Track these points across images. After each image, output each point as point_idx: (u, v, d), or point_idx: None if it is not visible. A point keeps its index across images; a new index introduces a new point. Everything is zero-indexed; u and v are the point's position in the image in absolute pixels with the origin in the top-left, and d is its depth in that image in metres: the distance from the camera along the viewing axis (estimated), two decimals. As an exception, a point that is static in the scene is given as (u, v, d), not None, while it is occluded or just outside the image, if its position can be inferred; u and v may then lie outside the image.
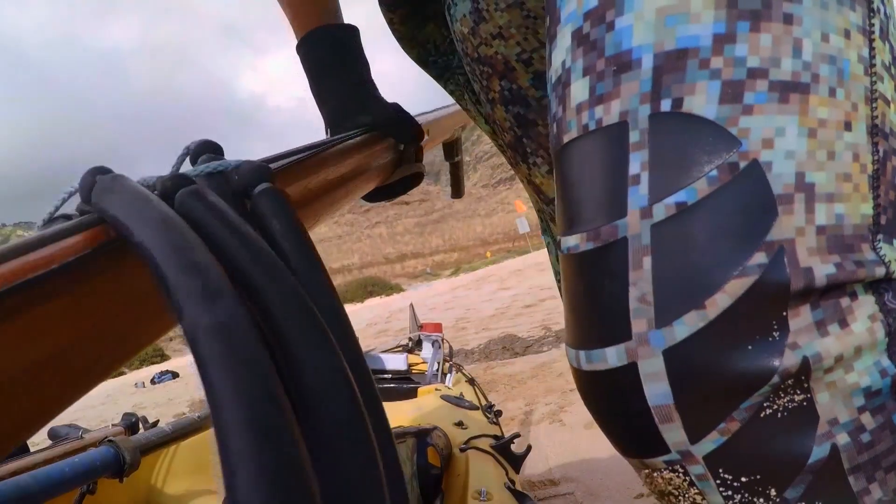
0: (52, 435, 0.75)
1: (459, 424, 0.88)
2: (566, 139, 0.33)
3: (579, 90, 0.32)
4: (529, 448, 0.82)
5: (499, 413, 1.06)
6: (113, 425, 0.81)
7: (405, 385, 1.23)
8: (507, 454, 0.77)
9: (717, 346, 0.27)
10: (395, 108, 0.59)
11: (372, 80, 0.61)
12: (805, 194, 0.28)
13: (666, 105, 0.29)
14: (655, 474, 0.30)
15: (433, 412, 0.95)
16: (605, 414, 0.32)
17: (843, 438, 0.28)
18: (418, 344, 1.57)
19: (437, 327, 1.53)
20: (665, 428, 0.28)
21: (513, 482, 0.69)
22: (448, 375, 1.31)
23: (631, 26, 0.30)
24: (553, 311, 4.87)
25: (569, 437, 1.83)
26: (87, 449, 0.59)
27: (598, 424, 0.33)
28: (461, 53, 0.57)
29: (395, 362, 1.33)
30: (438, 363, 1.33)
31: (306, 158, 0.40)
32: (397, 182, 0.60)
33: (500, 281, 10.69)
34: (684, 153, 0.28)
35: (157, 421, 0.81)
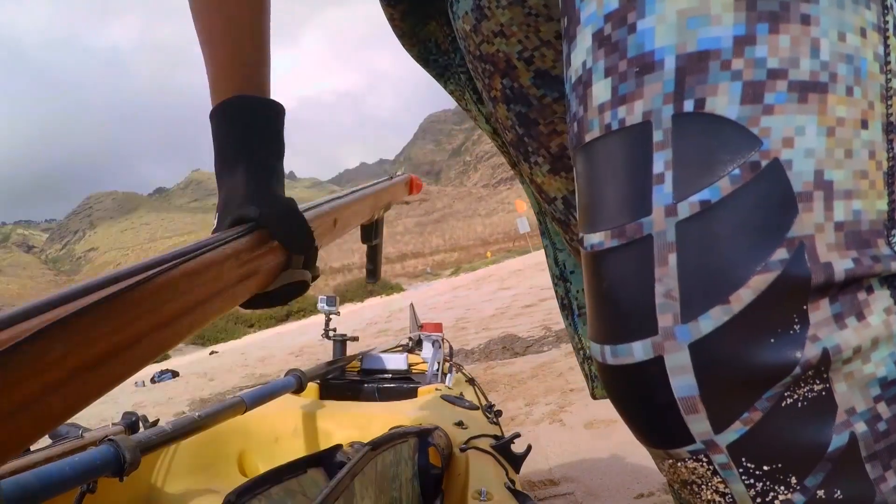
0: (52, 434, 0.75)
1: (459, 424, 0.88)
2: (588, 138, 0.34)
3: (601, 90, 0.32)
4: (529, 448, 0.82)
5: (499, 413, 1.06)
6: (113, 424, 0.81)
7: (405, 385, 1.23)
8: (507, 454, 0.77)
9: (742, 339, 0.28)
10: (289, 205, 0.50)
11: (279, 170, 0.53)
12: (824, 192, 0.29)
13: (689, 105, 0.29)
14: (679, 464, 0.31)
15: (433, 412, 0.95)
16: (630, 407, 0.33)
17: (860, 427, 0.29)
18: (418, 344, 1.57)
19: (438, 327, 1.53)
20: (691, 419, 0.29)
21: (513, 482, 0.69)
22: (448, 375, 1.30)
23: (653, 28, 0.30)
24: (553, 310, 4.87)
25: (569, 437, 1.83)
26: (87, 448, 0.59)
27: (622, 417, 0.34)
28: (464, 51, 0.56)
29: (395, 362, 1.33)
30: (438, 363, 1.32)
31: (155, 276, 0.34)
32: (279, 289, 0.50)
33: (501, 281, 10.69)
34: (707, 152, 0.29)
35: (158, 420, 0.81)
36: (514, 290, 8.19)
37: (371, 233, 0.83)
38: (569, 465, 1.62)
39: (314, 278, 0.53)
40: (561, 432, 1.89)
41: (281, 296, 0.51)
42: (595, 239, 0.33)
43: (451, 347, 1.51)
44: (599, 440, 1.74)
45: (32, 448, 0.68)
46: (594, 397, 0.64)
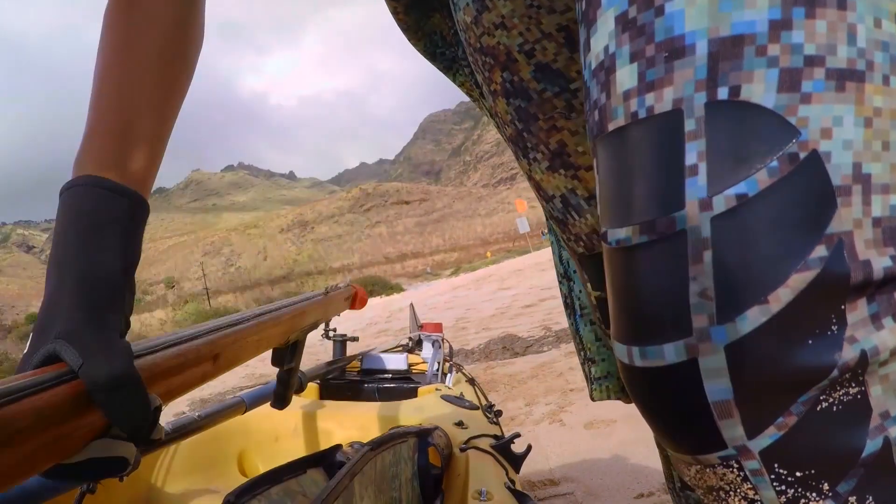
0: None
1: (459, 424, 0.88)
2: (612, 127, 0.32)
3: (626, 76, 0.31)
4: (529, 448, 0.82)
5: (499, 413, 1.06)
6: (113, 424, 0.80)
7: (405, 385, 1.23)
8: (507, 454, 0.77)
9: (780, 340, 0.27)
10: (123, 360, 0.33)
11: (124, 287, 0.38)
12: (862, 185, 0.28)
13: (723, 93, 0.28)
14: (708, 470, 0.30)
15: (433, 412, 0.95)
16: (658, 411, 0.31)
17: (894, 432, 0.28)
18: (418, 344, 1.57)
19: (438, 327, 1.53)
20: (724, 424, 0.28)
21: (513, 482, 0.69)
22: (448, 375, 1.31)
23: (683, 11, 0.29)
24: (553, 311, 4.87)
25: (569, 437, 1.83)
26: (87, 448, 0.59)
27: (648, 422, 0.32)
28: (464, 43, 0.55)
29: (396, 362, 1.33)
30: (438, 363, 1.33)
31: None
32: (88, 462, 0.34)
33: (500, 281, 10.70)
34: (743, 143, 0.28)
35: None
36: (514, 290, 8.20)
37: (284, 357, 0.66)
38: (569, 465, 1.62)
39: (152, 446, 0.36)
40: (561, 432, 1.89)
41: (91, 471, 0.34)
42: (621, 234, 0.31)
43: (451, 347, 1.51)
44: (599, 440, 1.74)
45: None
46: (593, 399, 0.64)
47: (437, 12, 0.63)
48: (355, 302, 0.84)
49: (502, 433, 0.90)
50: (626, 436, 1.68)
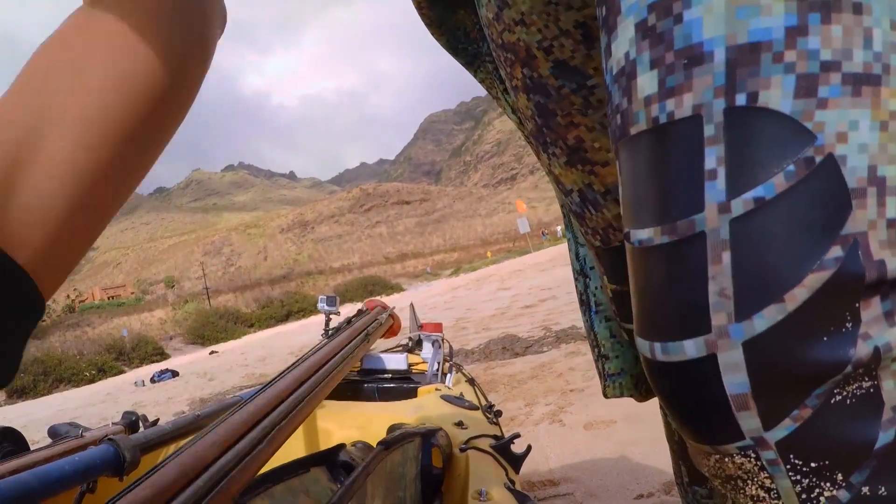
0: (52, 433, 0.75)
1: (459, 424, 0.88)
2: (634, 131, 0.33)
3: (647, 82, 0.32)
4: (529, 448, 0.82)
5: (499, 413, 1.06)
6: (113, 423, 0.81)
7: (405, 385, 1.23)
8: (507, 454, 0.77)
9: (795, 337, 0.28)
10: None
11: None
12: (877, 188, 0.29)
13: (741, 99, 0.29)
14: (727, 460, 0.32)
15: (433, 412, 0.95)
16: (680, 403, 0.33)
17: None
18: (418, 344, 1.57)
19: (438, 327, 1.53)
20: (741, 415, 0.30)
21: (513, 482, 0.69)
22: (448, 375, 1.31)
23: (701, 18, 0.30)
24: (553, 311, 4.87)
25: (569, 437, 1.83)
26: (87, 447, 0.59)
27: (669, 413, 0.34)
28: (488, 39, 0.57)
29: (395, 362, 1.33)
30: (438, 363, 1.33)
31: None
32: None
33: (501, 281, 10.70)
34: (761, 148, 0.29)
35: (157, 419, 0.81)
36: (514, 290, 8.20)
37: None
38: (569, 466, 1.62)
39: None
40: (561, 433, 1.89)
41: None
42: (643, 235, 0.33)
43: (450, 347, 1.51)
44: (599, 440, 1.74)
45: (32, 447, 0.68)
46: (606, 396, 0.64)
47: (462, 8, 0.64)
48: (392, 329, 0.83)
49: (502, 433, 0.90)
50: (625, 436, 1.68)
